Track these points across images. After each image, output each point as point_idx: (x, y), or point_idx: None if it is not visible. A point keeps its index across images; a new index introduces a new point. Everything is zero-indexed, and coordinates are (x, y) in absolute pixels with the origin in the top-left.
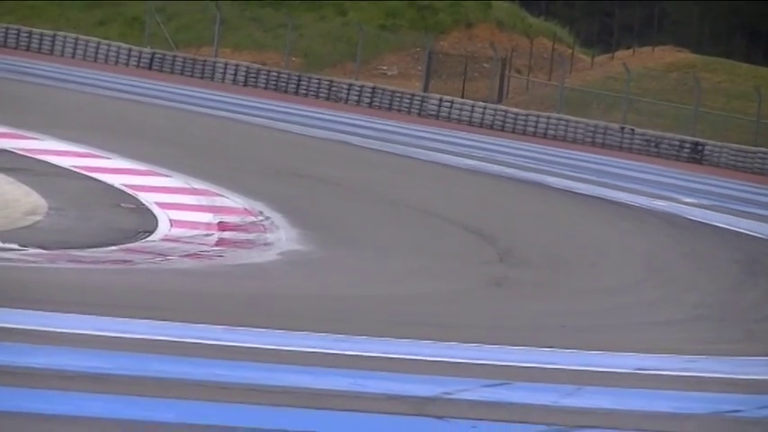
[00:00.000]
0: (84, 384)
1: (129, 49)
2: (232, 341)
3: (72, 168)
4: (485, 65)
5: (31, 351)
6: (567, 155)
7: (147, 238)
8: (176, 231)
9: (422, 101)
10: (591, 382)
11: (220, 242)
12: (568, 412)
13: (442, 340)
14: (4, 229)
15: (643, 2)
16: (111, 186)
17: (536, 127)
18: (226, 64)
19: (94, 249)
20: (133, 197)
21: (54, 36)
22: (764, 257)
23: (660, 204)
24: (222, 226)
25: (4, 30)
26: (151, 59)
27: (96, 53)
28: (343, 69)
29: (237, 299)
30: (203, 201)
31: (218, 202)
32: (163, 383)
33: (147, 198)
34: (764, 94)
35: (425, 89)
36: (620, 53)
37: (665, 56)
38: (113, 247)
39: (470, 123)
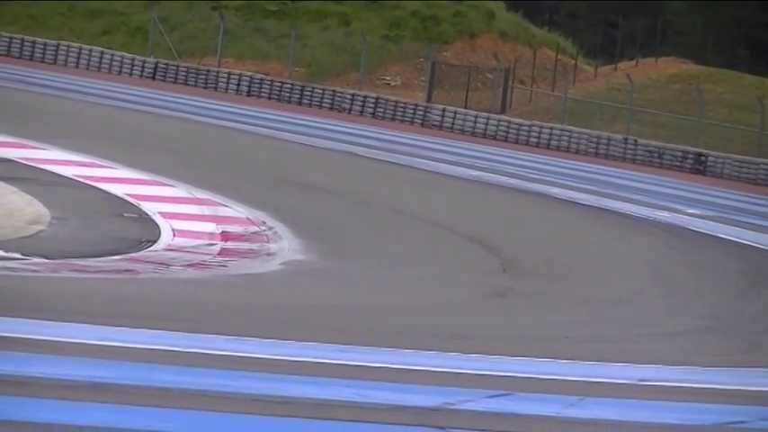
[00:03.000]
0: (86, 394)
1: (133, 59)
2: (235, 351)
3: (75, 178)
4: (488, 75)
5: (33, 360)
6: (570, 166)
7: (150, 248)
8: (179, 241)
9: (425, 111)
10: (594, 393)
11: (223, 252)
12: (571, 423)
13: (445, 351)
14: (6, 239)
15: (646, 13)
16: (114, 196)
17: (539, 138)
18: (229, 74)
19: (97, 259)
20: (136, 207)
21: (57, 45)
22: None
23: (663, 215)
24: (225, 236)
25: (7, 39)
26: (154, 69)
27: (100, 63)
28: (346, 79)
29: (240, 309)
30: (206, 210)
31: (222, 211)
32: (165, 393)
33: (150, 207)
34: (767, 105)
35: (429, 99)
36: (624, 64)
37: (669, 67)
38: (116, 257)
39: (473, 134)
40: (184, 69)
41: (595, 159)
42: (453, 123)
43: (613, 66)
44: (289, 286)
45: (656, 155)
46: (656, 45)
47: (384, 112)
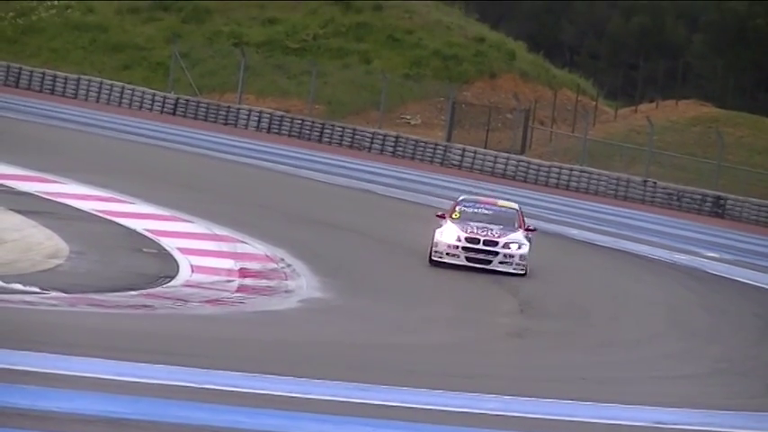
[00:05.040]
0: (103, 429)
1: (154, 94)
2: (252, 388)
3: (94, 212)
4: (508, 115)
5: (50, 395)
6: (589, 207)
7: (169, 284)
8: (197, 277)
9: (445, 150)
10: None
11: (241, 289)
12: None
13: (462, 390)
14: (25, 272)
15: (667, 55)
16: (133, 231)
17: (558, 178)
18: (250, 110)
19: (115, 294)
20: (155, 242)
21: (78, 80)
22: None
23: (682, 258)
24: (243, 272)
25: (28, 73)
26: (175, 105)
27: (120, 97)
28: (366, 117)
29: (258, 346)
30: (225, 247)
31: (240, 248)
32: (182, 429)
33: (168, 243)
34: None
35: (448, 139)
36: (644, 106)
37: (689, 109)
38: (134, 292)
39: (493, 174)
40: (205, 105)
41: (614, 201)
42: (473, 163)
43: (633, 107)
44: (306, 324)
45: (675, 197)
46: (676, 87)
47: (404, 151)
